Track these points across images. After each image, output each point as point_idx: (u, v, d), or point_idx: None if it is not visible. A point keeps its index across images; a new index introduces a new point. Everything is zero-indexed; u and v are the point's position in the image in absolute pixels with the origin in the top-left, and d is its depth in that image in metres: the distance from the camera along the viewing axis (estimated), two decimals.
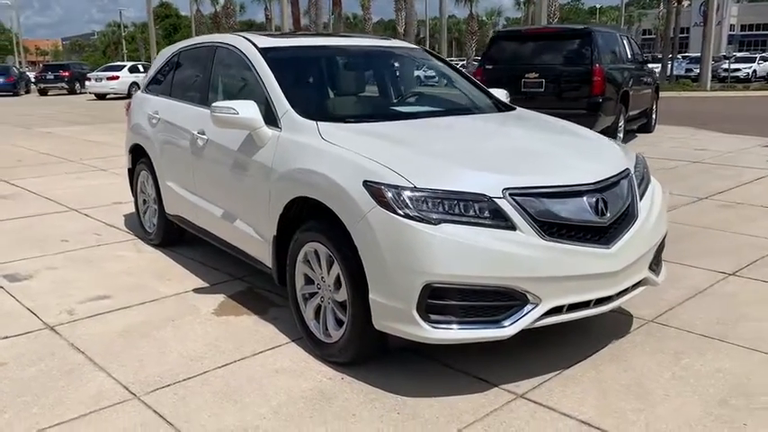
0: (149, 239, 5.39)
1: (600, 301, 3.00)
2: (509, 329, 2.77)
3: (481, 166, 2.95)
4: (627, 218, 3.10)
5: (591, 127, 9.02)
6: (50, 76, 32.70)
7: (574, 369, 3.17)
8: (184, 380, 3.11)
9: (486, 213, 2.77)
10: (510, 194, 2.80)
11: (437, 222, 2.71)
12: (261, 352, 3.39)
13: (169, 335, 3.62)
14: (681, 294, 4.12)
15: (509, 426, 2.69)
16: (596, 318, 3.67)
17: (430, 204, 2.75)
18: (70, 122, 16.86)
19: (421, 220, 2.71)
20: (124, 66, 30.38)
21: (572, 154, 3.37)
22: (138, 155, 5.36)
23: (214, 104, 3.57)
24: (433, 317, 2.74)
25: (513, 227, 2.77)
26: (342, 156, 3.08)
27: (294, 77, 3.97)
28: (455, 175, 2.86)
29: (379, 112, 3.94)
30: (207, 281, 4.49)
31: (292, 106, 3.53)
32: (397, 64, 4.60)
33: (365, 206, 2.82)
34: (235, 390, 3.01)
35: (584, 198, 2.93)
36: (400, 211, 2.73)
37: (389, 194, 2.77)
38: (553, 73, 9.37)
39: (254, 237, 3.73)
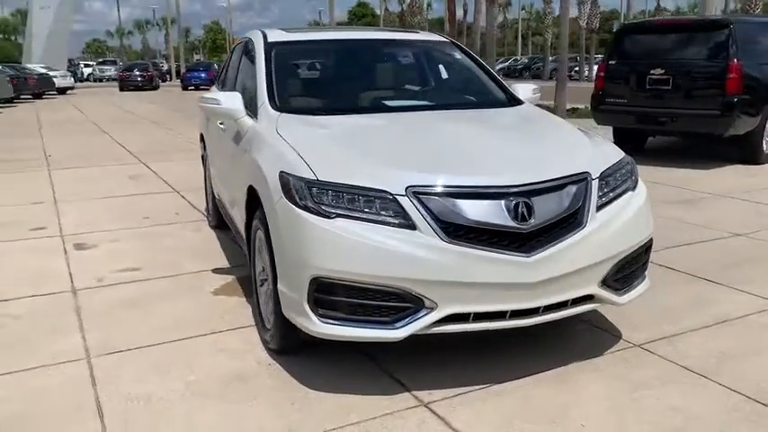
0: (209, 221, 5.83)
1: (518, 314, 2.75)
2: (399, 332, 2.66)
3: (393, 162, 2.84)
4: (567, 226, 2.79)
5: (725, 130, 8.24)
6: None
7: (507, 384, 2.94)
8: (136, 348, 3.37)
9: (388, 211, 2.67)
10: (413, 192, 2.67)
11: (333, 216, 2.67)
12: (221, 331, 3.56)
13: (159, 308, 3.92)
14: (702, 321, 3.61)
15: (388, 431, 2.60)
16: (577, 334, 3.42)
17: (330, 198, 2.71)
18: None
19: (317, 213, 2.69)
20: None
21: (514, 153, 3.10)
22: (204, 144, 5.81)
23: (202, 95, 3.79)
24: (322, 311, 2.71)
25: (413, 226, 2.64)
26: (276, 147, 3.14)
27: (288, 71, 4.06)
28: (363, 169, 2.79)
29: (356, 105, 3.89)
30: (231, 262, 4.78)
31: (270, 98, 3.64)
32: (409, 57, 4.49)
33: (276, 196, 2.86)
34: (169, 363, 3.20)
35: (503, 201, 2.69)
36: (300, 203, 2.74)
37: (293, 186, 2.78)
38: (683, 69, 8.42)
39: (240, 223, 3.90)
